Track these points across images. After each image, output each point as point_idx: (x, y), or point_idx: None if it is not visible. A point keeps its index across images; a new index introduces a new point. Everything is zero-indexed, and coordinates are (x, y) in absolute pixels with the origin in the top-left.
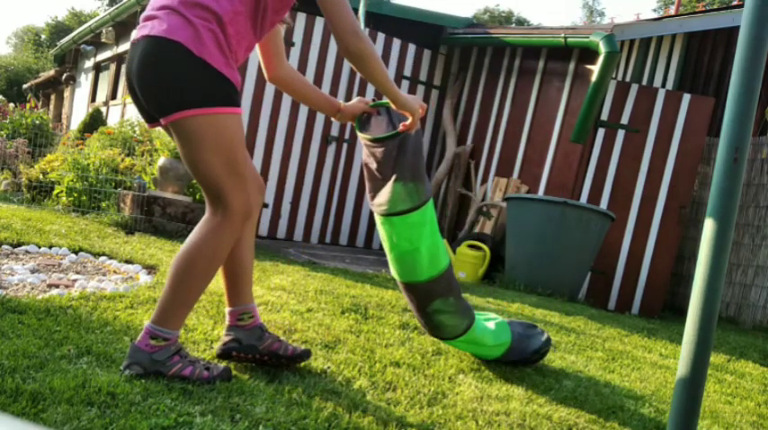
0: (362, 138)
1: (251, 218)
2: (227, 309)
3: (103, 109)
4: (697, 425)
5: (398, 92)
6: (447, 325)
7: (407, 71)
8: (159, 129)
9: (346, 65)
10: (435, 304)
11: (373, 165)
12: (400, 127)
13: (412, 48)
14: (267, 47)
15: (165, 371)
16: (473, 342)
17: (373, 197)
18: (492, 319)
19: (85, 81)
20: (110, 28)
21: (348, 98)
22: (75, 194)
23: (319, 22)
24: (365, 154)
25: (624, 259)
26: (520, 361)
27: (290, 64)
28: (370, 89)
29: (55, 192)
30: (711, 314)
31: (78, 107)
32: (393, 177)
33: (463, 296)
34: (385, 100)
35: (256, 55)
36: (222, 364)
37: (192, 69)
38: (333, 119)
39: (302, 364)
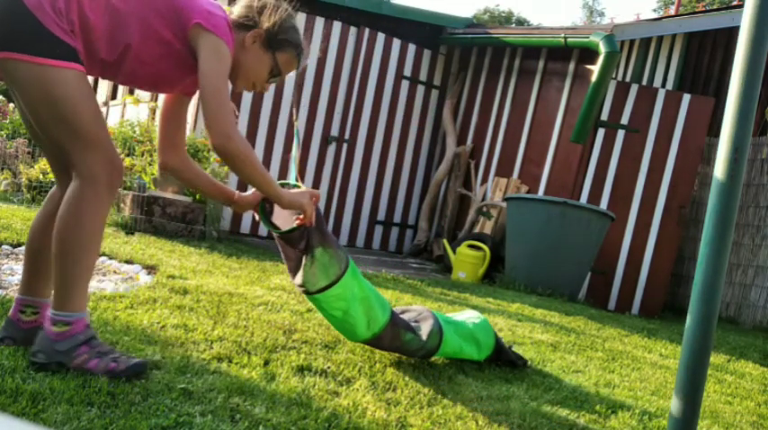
0: (269, 229)
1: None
2: (15, 295)
3: (103, 109)
4: (697, 425)
5: (281, 193)
6: (417, 347)
7: (407, 71)
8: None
9: (346, 65)
10: (404, 340)
11: (285, 250)
12: (296, 222)
13: (412, 48)
14: (165, 130)
15: (68, 362)
16: (459, 351)
17: (293, 277)
18: (472, 319)
19: None
20: None
21: (348, 98)
22: None
23: (319, 22)
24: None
25: (624, 259)
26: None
27: (189, 158)
28: (371, 89)
29: None
30: (711, 314)
31: None
32: (303, 260)
33: (420, 326)
34: (287, 179)
35: None
36: (136, 359)
37: (20, 17)
38: (230, 208)
39: (302, 364)
